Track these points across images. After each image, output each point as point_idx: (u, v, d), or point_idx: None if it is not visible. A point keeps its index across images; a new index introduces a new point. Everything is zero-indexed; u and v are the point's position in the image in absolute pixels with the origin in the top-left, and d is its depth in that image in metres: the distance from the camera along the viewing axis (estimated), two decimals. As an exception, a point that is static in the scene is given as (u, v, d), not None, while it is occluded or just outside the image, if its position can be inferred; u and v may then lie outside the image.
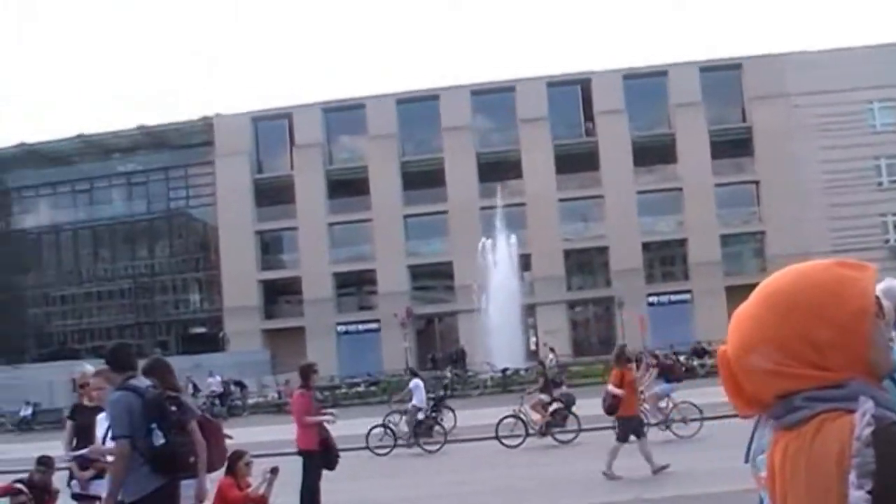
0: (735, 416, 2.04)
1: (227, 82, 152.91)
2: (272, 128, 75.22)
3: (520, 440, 22.29)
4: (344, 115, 74.46)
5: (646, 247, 69.44)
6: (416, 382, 26.67)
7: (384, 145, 71.55)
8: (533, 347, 63.40)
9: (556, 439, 22.37)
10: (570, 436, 22.25)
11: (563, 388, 25.99)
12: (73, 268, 79.81)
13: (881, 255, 66.32)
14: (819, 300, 1.82)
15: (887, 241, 67.82)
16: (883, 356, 1.83)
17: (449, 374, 45.28)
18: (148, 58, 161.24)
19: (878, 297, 1.87)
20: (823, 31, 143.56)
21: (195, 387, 48.10)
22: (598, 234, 70.53)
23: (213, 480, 9.41)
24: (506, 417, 23.43)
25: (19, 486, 11.08)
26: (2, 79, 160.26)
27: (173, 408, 7.58)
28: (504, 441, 22.32)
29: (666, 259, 72.21)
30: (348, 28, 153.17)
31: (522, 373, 45.94)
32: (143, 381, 7.70)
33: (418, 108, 73.05)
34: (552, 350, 49.88)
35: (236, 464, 11.03)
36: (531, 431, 22.57)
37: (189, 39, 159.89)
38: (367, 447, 22.66)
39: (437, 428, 24.54)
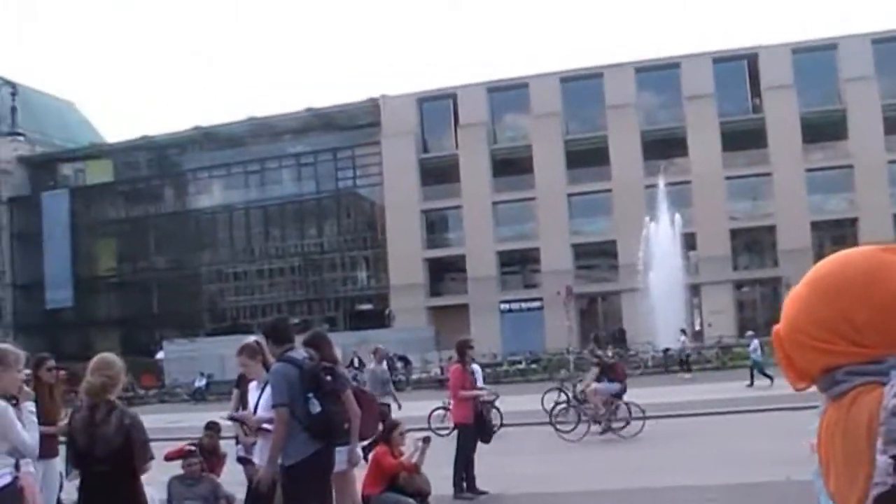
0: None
1: (393, 64, 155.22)
2: (437, 108, 75.98)
3: (573, 426, 22.35)
4: (508, 95, 74.61)
5: (815, 226, 67.52)
6: (473, 367, 27.50)
7: (548, 124, 71.45)
8: (697, 328, 62.69)
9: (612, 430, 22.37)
10: (621, 424, 22.12)
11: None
12: (245, 246, 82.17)
13: None
14: (859, 283, 2.03)
15: None
16: None
17: (610, 354, 45.01)
18: (316, 41, 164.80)
19: None
20: None
21: (360, 362, 49.22)
22: (766, 212, 69.01)
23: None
24: (559, 404, 23.82)
25: (191, 448, 11.77)
26: (177, 65, 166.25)
27: (329, 378, 8.01)
28: (559, 427, 22.46)
29: (836, 239, 69.71)
30: (511, 8, 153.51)
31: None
32: (300, 353, 8.16)
33: (582, 86, 72.68)
34: (684, 332, 48.43)
35: (391, 433, 11.53)
36: (584, 418, 22.50)
37: (355, 23, 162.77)
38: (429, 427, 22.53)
39: (493, 411, 24.79)
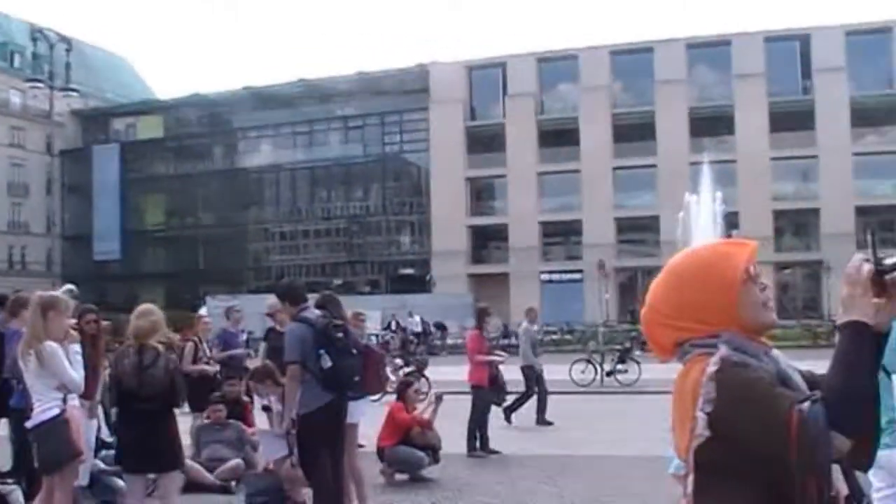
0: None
1: (443, 31, 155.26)
2: (486, 76, 76.16)
3: None
4: (557, 66, 74.62)
5: (860, 211, 66.95)
6: None
7: (596, 96, 71.51)
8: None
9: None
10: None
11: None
12: (291, 206, 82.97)
13: None
14: (698, 270, 2.62)
15: None
16: (751, 314, 2.56)
17: (640, 328, 45.35)
18: (367, 5, 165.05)
19: (752, 266, 2.61)
20: None
21: (398, 325, 49.92)
22: (811, 195, 68.85)
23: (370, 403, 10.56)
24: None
25: (218, 401, 12.52)
26: (231, 25, 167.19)
27: (340, 335, 8.64)
28: None
29: (882, 224, 69.53)
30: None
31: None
32: (313, 313, 8.82)
33: (632, 60, 72.51)
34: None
35: (405, 391, 12.23)
36: None
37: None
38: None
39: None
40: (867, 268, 2.35)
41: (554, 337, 50.01)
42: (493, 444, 14.53)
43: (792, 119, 67.84)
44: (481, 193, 77.81)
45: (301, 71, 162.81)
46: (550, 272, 72.15)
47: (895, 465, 5.28)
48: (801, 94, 70.32)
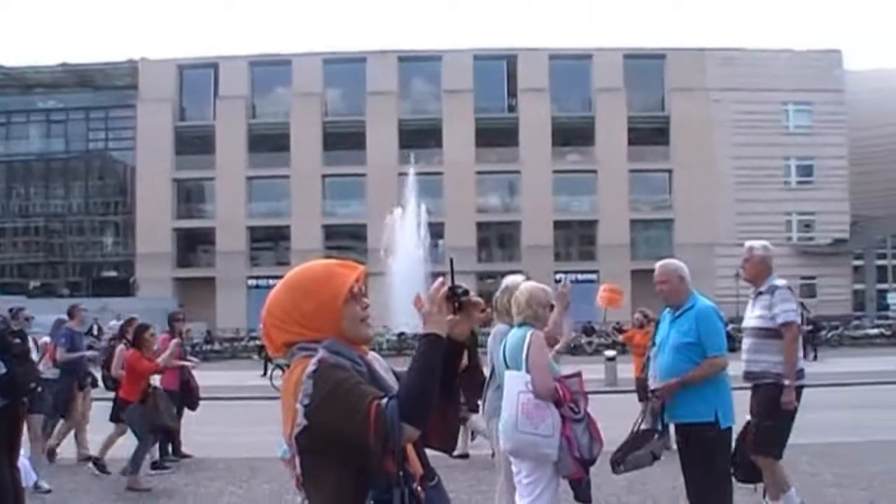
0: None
1: (155, 27, 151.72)
2: (197, 76, 74.95)
3: None
4: (270, 70, 74.46)
5: (558, 225, 70.72)
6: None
7: (308, 103, 71.86)
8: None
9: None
10: None
11: None
12: (-16, 202, 79.02)
13: (784, 251, 68.14)
14: (309, 284, 3.09)
15: (790, 238, 69.95)
16: (351, 327, 3.05)
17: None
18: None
19: (354, 284, 3.05)
20: (747, 31, 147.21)
21: (99, 329, 48.32)
22: (513, 208, 71.88)
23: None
24: None
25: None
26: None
27: (17, 341, 8.46)
28: None
29: (576, 238, 73.57)
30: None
31: (421, 337, 46.87)
32: (-7, 319, 8.59)
33: (344, 68, 73.34)
34: None
35: (142, 335, 12.00)
36: None
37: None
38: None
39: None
40: (443, 290, 2.94)
41: (258, 342, 49.85)
42: (185, 449, 14.51)
43: (497, 135, 70.68)
44: (189, 195, 76.38)
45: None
46: (258, 278, 71.64)
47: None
48: (506, 111, 73.27)
